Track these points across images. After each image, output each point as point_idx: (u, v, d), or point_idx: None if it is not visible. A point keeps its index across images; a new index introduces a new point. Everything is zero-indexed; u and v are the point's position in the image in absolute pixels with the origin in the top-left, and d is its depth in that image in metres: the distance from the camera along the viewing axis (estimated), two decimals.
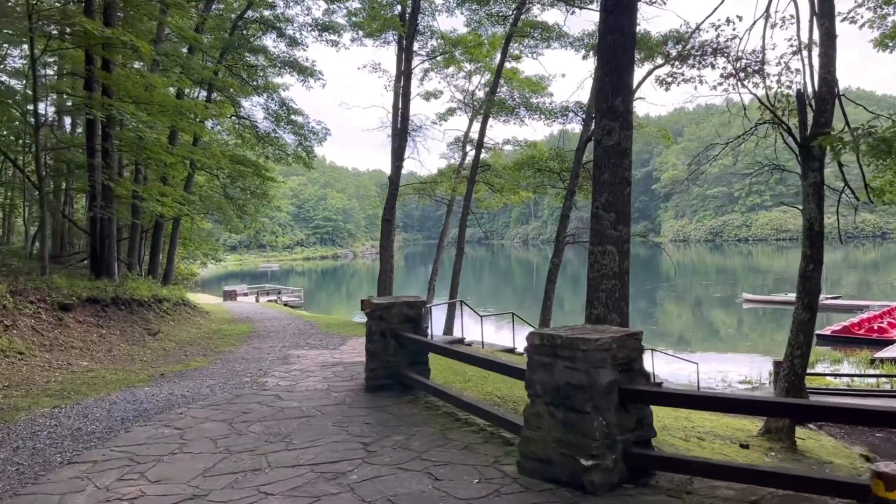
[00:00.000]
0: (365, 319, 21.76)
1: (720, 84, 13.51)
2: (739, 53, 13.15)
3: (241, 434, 6.02)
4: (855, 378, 22.46)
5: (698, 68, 13.42)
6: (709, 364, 25.29)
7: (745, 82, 13.22)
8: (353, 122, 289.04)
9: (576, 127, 25.19)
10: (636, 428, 4.50)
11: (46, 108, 28.89)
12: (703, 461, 4.26)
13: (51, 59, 24.73)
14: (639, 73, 22.16)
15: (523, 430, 4.69)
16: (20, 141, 21.37)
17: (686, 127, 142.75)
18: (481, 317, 16.71)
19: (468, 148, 30.37)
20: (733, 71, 13.01)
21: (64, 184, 26.46)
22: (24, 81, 21.26)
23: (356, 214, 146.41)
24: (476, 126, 29.47)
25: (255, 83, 27.02)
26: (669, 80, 13.72)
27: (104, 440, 6.03)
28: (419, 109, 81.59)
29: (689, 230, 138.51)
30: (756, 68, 13.41)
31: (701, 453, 9.28)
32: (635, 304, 48.99)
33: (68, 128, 27.43)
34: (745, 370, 24.84)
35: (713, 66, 13.28)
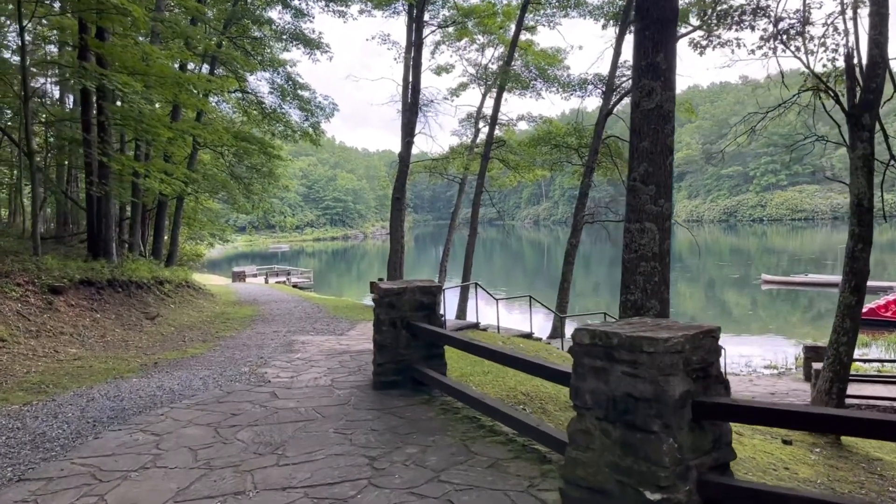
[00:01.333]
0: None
1: (759, 47, 12.38)
2: (781, 13, 12.00)
3: (227, 442, 5.13)
4: (885, 363, 21.46)
5: (736, 29, 12.26)
6: (729, 347, 24.26)
7: (788, 45, 12.09)
8: (362, 102, 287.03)
9: (593, 102, 24.07)
10: (713, 449, 3.56)
11: (49, 84, 28.11)
12: (807, 497, 3.32)
13: (51, 33, 23.82)
14: None
15: (568, 450, 3.76)
16: (18, 117, 20.55)
17: (700, 105, 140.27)
18: (497, 300, 15.77)
19: (481, 124, 29.28)
20: (774, 32, 11.87)
21: (67, 161, 25.65)
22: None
23: (366, 195, 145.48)
24: (489, 101, 28.37)
25: (259, 57, 25.96)
26: (705, 43, 12.59)
27: (68, 449, 5.16)
28: (430, 84, 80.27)
29: (702, 210, 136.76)
30: (799, 30, 12.27)
31: (743, 452, 8.35)
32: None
33: (71, 105, 26.57)
34: (769, 354, 23.85)
35: (753, 28, 12.11)
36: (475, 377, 7.94)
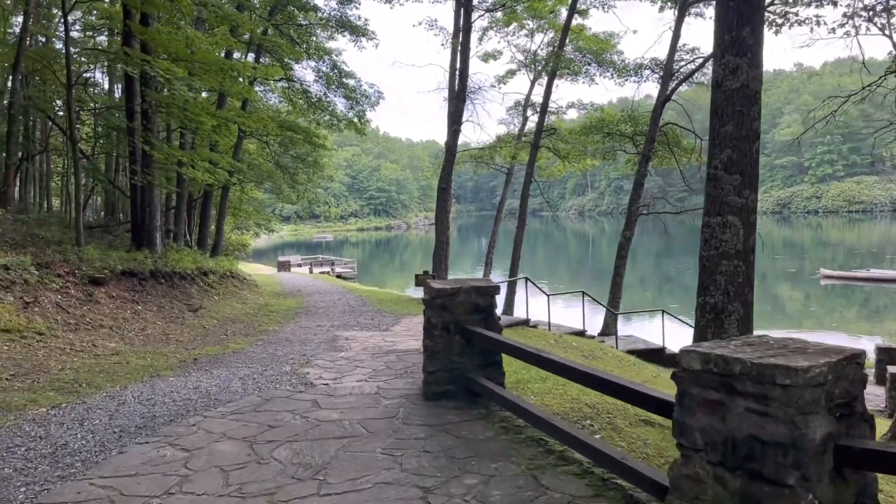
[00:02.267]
0: (420, 294, 20.25)
1: (841, 25, 11.31)
2: None
3: (263, 462, 4.56)
4: None
5: (816, 5, 11.22)
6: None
7: (874, 22, 11.01)
8: (407, 91, 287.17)
9: (647, 89, 22.98)
10: None
11: (99, 74, 28.23)
12: None
13: (100, 23, 23.83)
14: None
15: (671, 499, 3.06)
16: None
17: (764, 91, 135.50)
18: (548, 295, 15.02)
19: (529, 112, 28.41)
20: (860, 7, 10.81)
21: (115, 151, 25.71)
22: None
23: (409, 185, 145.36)
24: (538, 89, 27.48)
25: (305, 45, 25.55)
26: (780, 21, 11.56)
27: (89, 465, 4.66)
28: (477, 70, 79.16)
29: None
30: (886, 5, 11.17)
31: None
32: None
33: (119, 94, 26.64)
34: None
35: (835, 3, 11.06)
36: (533, 384, 7.25)
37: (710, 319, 6.86)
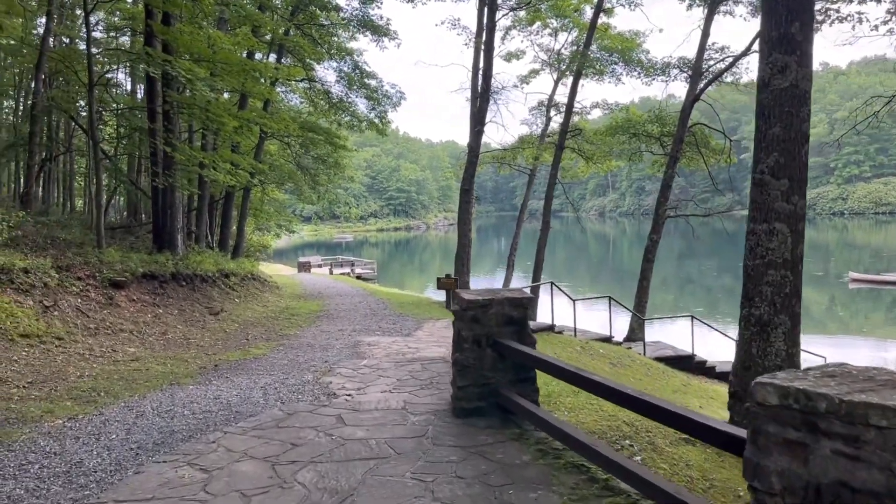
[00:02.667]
0: (441, 297, 19.94)
1: (884, 22, 10.86)
2: None
3: (286, 487, 4.29)
4: None
5: (859, 2, 10.76)
6: (823, 349, 22.30)
7: None
8: (427, 92, 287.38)
9: (675, 89, 22.45)
10: None
11: (122, 74, 28.28)
12: None
13: (123, 24, 23.84)
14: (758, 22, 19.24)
15: None
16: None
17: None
18: (573, 300, 14.66)
19: (552, 112, 28.04)
20: None
21: (138, 151, 25.74)
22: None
23: (429, 186, 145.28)
24: (562, 89, 27.16)
25: (327, 46, 25.39)
26: (821, 17, 11.12)
27: (104, 486, 4.42)
28: (500, 70, 78.46)
29: None
30: None
31: None
32: (728, 281, 45.58)
33: (140, 95, 26.66)
34: (864, 358, 21.70)
35: (879, 0, 10.61)
36: (564, 397, 6.94)
37: (754, 332, 6.51)
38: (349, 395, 7.24)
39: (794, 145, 6.30)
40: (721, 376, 16.01)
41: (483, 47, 19.16)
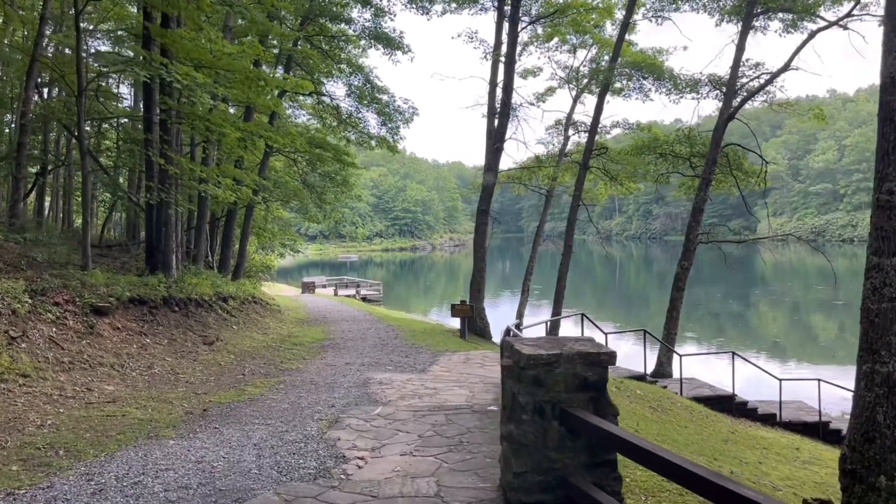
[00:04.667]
0: (455, 324, 18.40)
1: None
2: None
3: None
4: None
5: None
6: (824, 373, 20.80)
7: None
8: (434, 112, 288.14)
9: (703, 109, 21.11)
10: None
11: (124, 85, 27.17)
12: None
13: (118, 28, 22.74)
14: (795, 38, 18.09)
15: None
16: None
17: (787, 119, 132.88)
18: (605, 333, 13.27)
19: (570, 132, 26.84)
20: None
21: (138, 165, 24.53)
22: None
23: (435, 206, 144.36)
24: (580, 107, 26.00)
25: (336, 60, 24.27)
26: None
27: None
28: (516, 86, 76.96)
29: (788, 229, 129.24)
30: None
31: None
32: (736, 307, 44.11)
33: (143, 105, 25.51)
34: None
35: None
36: (637, 476, 5.52)
37: (880, 395, 5.11)
38: (361, 459, 5.89)
39: None
40: (764, 419, 14.59)
41: (504, 60, 18.01)
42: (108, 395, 8.70)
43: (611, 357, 4.14)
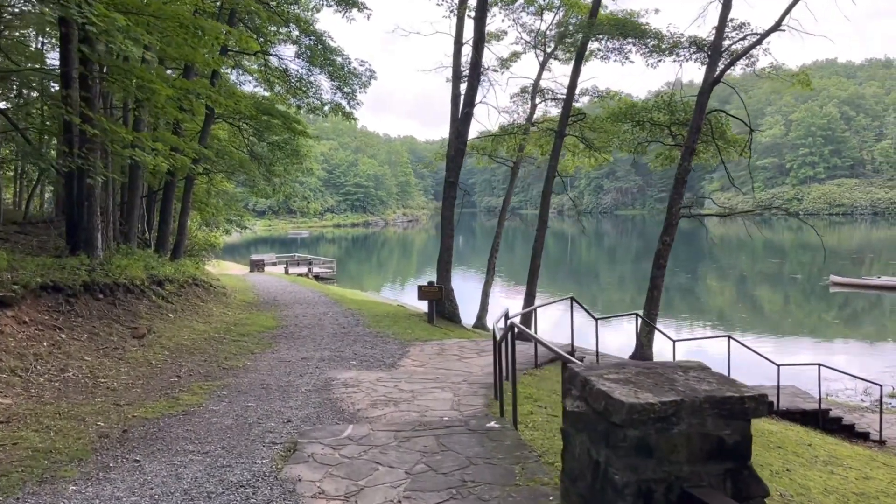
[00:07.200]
0: (423, 307, 16.63)
1: None
2: None
3: None
4: None
5: None
6: (807, 355, 20.06)
7: None
8: (386, 84, 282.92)
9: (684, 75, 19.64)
10: None
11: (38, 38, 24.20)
12: None
13: None
14: None
15: None
16: None
17: (732, 96, 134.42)
18: (596, 319, 11.84)
19: (537, 100, 25.25)
20: None
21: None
22: None
23: (387, 181, 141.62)
24: (547, 74, 24.35)
25: (285, 16, 21.97)
26: None
27: None
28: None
29: (735, 203, 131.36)
30: None
31: None
32: (710, 286, 43.77)
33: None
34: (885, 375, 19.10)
35: None
36: None
37: None
38: None
39: None
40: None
41: (474, 14, 16.18)
42: (1, 413, 6.81)
43: (759, 404, 2.55)
